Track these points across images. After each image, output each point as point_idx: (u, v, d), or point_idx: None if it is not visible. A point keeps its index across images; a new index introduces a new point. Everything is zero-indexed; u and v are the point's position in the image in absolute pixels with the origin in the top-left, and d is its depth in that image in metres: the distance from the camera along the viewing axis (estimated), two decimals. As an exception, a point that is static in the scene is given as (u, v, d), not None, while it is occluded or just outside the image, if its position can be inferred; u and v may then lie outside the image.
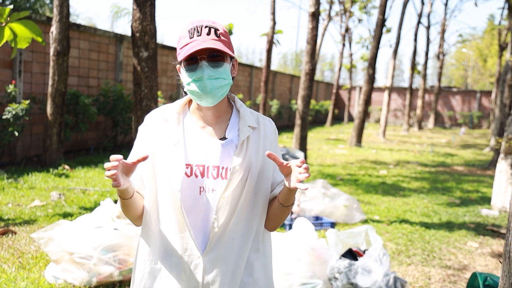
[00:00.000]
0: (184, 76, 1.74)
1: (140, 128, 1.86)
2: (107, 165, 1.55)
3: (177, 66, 1.82)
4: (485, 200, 8.04)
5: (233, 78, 1.82)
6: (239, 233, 1.75)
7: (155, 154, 1.76)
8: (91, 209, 5.95)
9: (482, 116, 31.91)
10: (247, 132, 1.78)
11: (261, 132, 1.83)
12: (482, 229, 6.27)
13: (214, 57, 1.71)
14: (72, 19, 25.59)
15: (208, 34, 1.71)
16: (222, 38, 1.73)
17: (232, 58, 1.79)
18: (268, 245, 1.90)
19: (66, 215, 5.74)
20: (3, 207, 6.03)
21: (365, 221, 6.27)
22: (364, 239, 4.26)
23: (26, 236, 4.94)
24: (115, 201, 5.80)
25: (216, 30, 1.72)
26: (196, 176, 1.73)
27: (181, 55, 1.70)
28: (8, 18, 4.48)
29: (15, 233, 5.00)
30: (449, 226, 6.33)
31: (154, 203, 1.77)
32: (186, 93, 1.90)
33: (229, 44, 1.76)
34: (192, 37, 1.71)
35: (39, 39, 4.52)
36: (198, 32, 1.71)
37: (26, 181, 7.46)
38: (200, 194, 1.73)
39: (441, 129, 30.13)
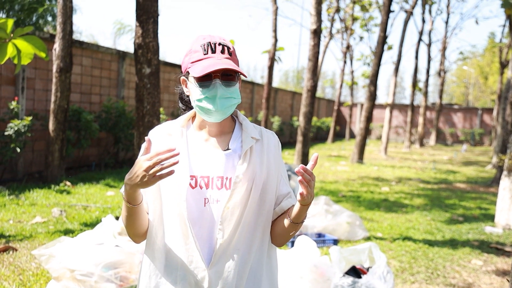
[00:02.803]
0: (195, 92, 1.74)
1: (143, 144, 1.85)
2: (160, 157, 1.53)
3: (182, 78, 1.83)
4: (489, 218, 7.99)
5: None
6: (244, 244, 1.75)
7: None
8: (92, 226, 5.92)
9: (484, 133, 31.90)
10: (250, 142, 1.79)
11: (264, 144, 1.84)
12: (486, 246, 6.22)
13: (227, 76, 1.72)
14: (75, 36, 25.78)
15: (222, 52, 1.72)
16: (234, 56, 1.76)
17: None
18: (274, 260, 1.88)
19: (67, 232, 5.71)
20: (4, 223, 6.00)
21: (368, 238, 6.23)
22: (368, 257, 4.22)
23: (27, 253, 4.90)
24: (117, 218, 5.77)
25: (228, 48, 1.74)
26: (201, 188, 1.73)
27: (196, 71, 1.69)
28: (12, 35, 4.50)
29: (16, 250, 4.97)
30: (453, 243, 6.28)
31: (160, 217, 1.76)
32: (185, 108, 1.91)
33: (238, 62, 1.78)
34: (206, 53, 1.72)
35: (43, 55, 4.52)
36: (212, 49, 1.72)
37: (28, 198, 7.44)
38: (205, 205, 1.73)
39: (443, 146, 30.10)
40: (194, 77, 1.72)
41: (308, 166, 1.63)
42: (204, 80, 1.71)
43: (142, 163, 1.55)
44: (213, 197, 1.73)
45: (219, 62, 1.68)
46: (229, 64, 1.68)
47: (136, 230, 1.76)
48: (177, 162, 1.54)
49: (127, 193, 1.63)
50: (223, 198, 1.73)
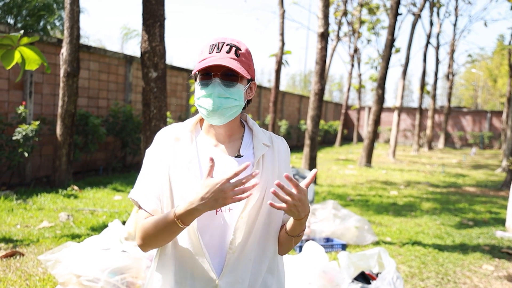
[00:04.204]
0: (197, 90, 1.71)
1: (149, 149, 1.80)
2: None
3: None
4: (499, 222, 7.89)
5: (250, 101, 1.79)
6: (256, 254, 1.70)
7: (170, 173, 1.71)
8: (99, 230, 5.90)
9: (493, 136, 31.68)
10: (262, 149, 1.75)
11: (275, 150, 1.80)
12: (497, 251, 6.13)
13: (229, 76, 1.67)
14: (83, 40, 25.91)
15: (228, 52, 1.67)
16: (242, 58, 1.69)
17: (250, 80, 1.75)
18: (282, 268, 1.85)
19: (74, 237, 5.69)
20: (12, 228, 6.00)
21: (376, 243, 6.16)
22: (377, 262, 4.16)
23: (33, 258, 4.88)
24: (123, 222, 5.75)
25: (237, 49, 1.69)
26: None
27: (196, 68, 1.67)
28: (19, 42, 4.50)
29: (23, 255, 4.95)
30: (463, 248, 6.20)
31: None
32: None
33: (248, 66, 1.71)
34: (211, 53, 1.68)
35: (45, 64, 4.55)
36: (218, 48, 1.68)
37: (35, 202, 7.43)
38: (216, 213, 1.67)
39: (452, 150, 29.92)
40: (198, 76, 1.70)
41: (304, 182, 1.60)
42: (205, 79, 1.68)
43: (222, 186, 1.51)
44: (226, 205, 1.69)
45: (218, 60, 1.64)
46: (228, 63, 1.63)
47: (162, 245, 1.70)
48: (257, 184, 1.54)
49: (191, 216, 1.56)
50: (236, 207, 1.67)
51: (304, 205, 1.59)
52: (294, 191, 1.56)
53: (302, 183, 1.60)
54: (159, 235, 1.62)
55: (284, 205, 1.56)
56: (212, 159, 1.54)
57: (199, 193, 1.53)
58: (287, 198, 1.55)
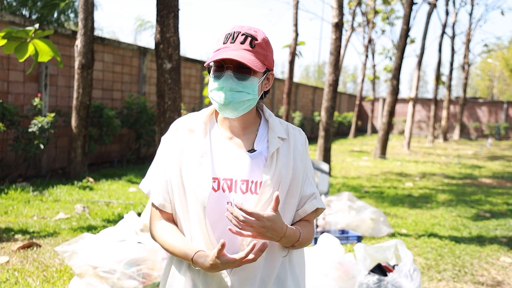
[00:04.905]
0: (210, 82, 1.67)
1: (164, 137, 1.77)
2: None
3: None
4: (517, 214, 7.79)
5: (267, 92, 1.74)
6: (268, 250, 1.66)
7: (182, 166, 1.68)
8: (115, 222, 5.93)
9: (509, 127, 31.27)
10: (276, 144, 1.69)
11: (291, 143, 1.74)
12: (515, 243, 6.06)
13: (242, 68, 1.61)
14: (96, 33, 25.97)
15: (243, 42, 1.61)
16: (258, 49, 1.63)
17: (267, 70, 1.69)
18: (299, 261, 1.80)
19: (90, 228, 5.73)
20: (29, 219, 6.05)
21: (392, 235, 6.12)
22: (394, 254, 4.13)
23: (50, 249, 4.92)
24: (139, 214, 5.77)
25: (253, 39, 1.63)
26: (224, 191, 1.64)
27: (208, 59, 1.63)
28: (33, 35, 4.53)
29: (40, 246, 4.99)
30: (480, 240, 6.13)
31: (184, 217, 1.68)
32: None
33: (264, 56, 1.65)
34: (225, 43, 1.62)
35: (58, 58, 4.58)
36: (233, 38, 1.62)
37: (51, 194, 7.49)
38: (227, 209, 1.65)
39: (467, 141, 29.61)
40: (212, 67, 1.66)
41: (269, 209, 1.56)
42: (217, 71, 1.63)
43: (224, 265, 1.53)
44: (237, 201, 1.64)
45: (230, 52, 1.59)
46: (239, 56, 1.57)
47: None
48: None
49: (199, 264, 1.60)
50: (247, 203, 1.64)
51: (274, 230, 1.56)
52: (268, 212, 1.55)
53: (269, 208, 1.57)
54: (172, 252, 1.67)
55: (249, 232, 1.54)
56: (223, 245, 1.50)
57: (213, 265, 1.54)
58: (245, 226, 1.53)
